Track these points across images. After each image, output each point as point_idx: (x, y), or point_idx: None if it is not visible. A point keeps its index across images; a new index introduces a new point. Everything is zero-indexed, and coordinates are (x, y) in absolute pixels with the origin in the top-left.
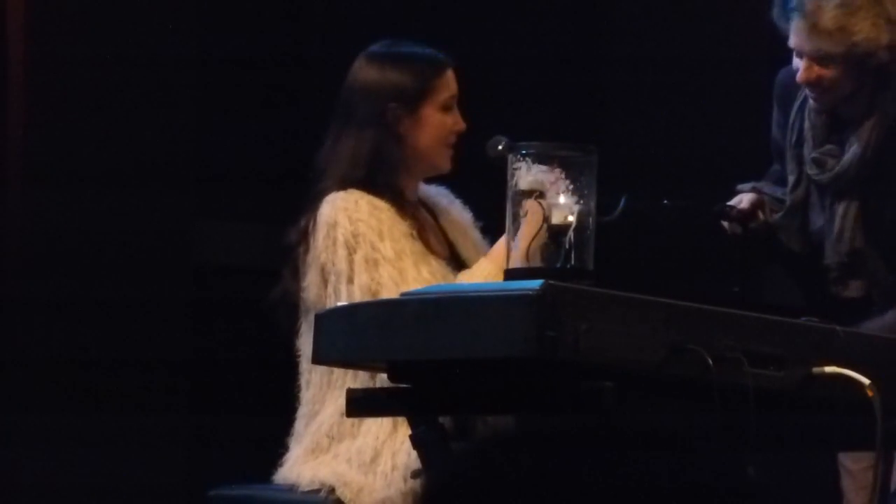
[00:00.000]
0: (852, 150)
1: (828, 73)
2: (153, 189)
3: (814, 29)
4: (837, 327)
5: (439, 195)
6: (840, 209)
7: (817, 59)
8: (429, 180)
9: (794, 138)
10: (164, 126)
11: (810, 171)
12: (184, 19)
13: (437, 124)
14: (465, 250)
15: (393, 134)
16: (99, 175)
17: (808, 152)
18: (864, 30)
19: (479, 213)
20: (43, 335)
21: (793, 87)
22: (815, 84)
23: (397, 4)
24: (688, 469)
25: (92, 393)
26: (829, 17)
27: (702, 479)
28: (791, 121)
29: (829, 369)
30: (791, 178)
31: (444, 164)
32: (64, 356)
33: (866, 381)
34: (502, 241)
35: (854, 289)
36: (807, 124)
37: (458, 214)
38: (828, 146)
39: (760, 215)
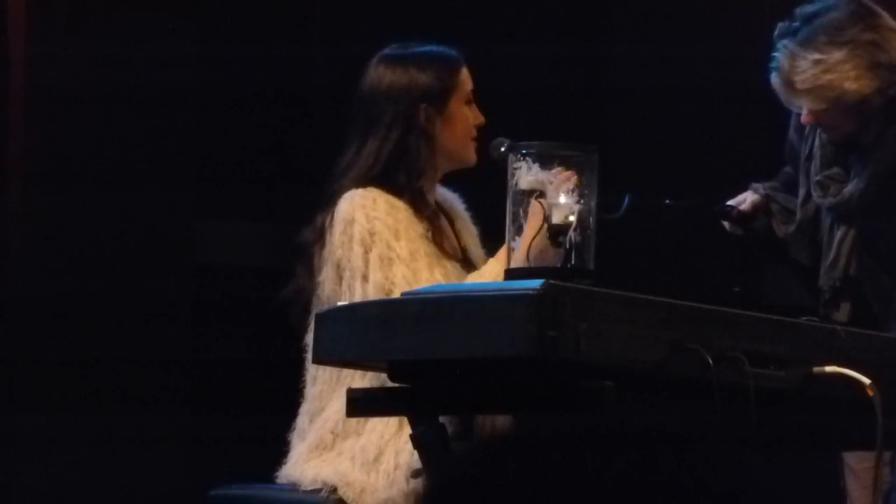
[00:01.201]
0: (855, 182)
1: (825, 117)
2: (154, 188)
3: (791, 88)
4: (838, 327)
5: (454, 200)
6: (838, 235)
7: (808, 109)
8: (448, 182)
9: (806, 151)
10: (165, 125)
11: (814, 192)
12: (184, 19)
13: (463, 119)
14: (475, 256)
15: (424, 134)
16: (99, 175)
17: (815, 172)
18: (846, 83)
19: (479, 213)
20: (43, 335)
21: None
22: (817, 125)
23: (397, 6)
24: (688, 469)
25: (92, 393)
26: (804, 77)
27: (702, 478)
28: (807, 132)
29: (829, 369)
30: (801, 192)
31: (472, 157)
32: (64, 356)
33: (867, 380)
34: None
35: (843, 312)
36: (817, 142)
37: (468, 220)
38: (834, 169)
39: (761, 216)
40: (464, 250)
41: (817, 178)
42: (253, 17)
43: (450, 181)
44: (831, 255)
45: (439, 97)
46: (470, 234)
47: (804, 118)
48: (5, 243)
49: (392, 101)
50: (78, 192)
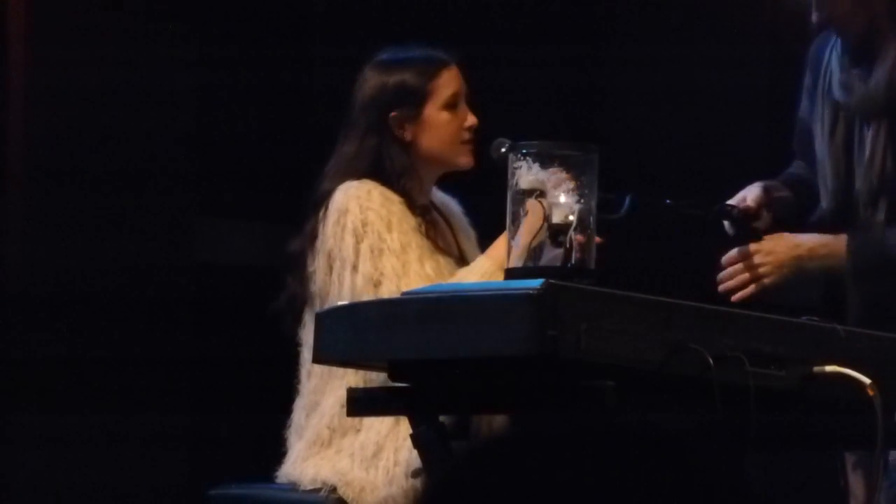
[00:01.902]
0: (879, 71)
1: (834, 10)
2: (154, 188)
3: None
4: (838, 326)
5: (451, 203)
6: (870, 133)
7: (815, 4)
8: (443, 186)
9: (827, 82)
10: (165, 125)
11: (838, 96)
12: (184, 19)
13: (443, 124)
14: (471, 256)
15: (399, 141)
16: (99, 175)
17: (836, 81)
18: None
19: (477, 215)
20: (43, 335)
21: (825, 47)
22: (829, 24)
23: (397, 7)
24: (687, 469)
25: (92, 393)
26: None
27: (701, 478)
28: (822, 71)
29: (829, 368)
30: (827, 125)
31: (462, 160)
32: (64, 356)
33: (867, 380)
34: (501, 239)
35: (883, 211)
36: (834, 57)
37: (467, 225)
38: (854, 71)
39: (764, 214)
40: (460, 250)
41: (840, 79)
42: (253, 17)
43: (450, 182)
44: (867, 153)
45: (411, 103)
46: (467, 237)
47: (815, 17)
48: (5, 243)
49: (364, 108)
50: (78, 192)
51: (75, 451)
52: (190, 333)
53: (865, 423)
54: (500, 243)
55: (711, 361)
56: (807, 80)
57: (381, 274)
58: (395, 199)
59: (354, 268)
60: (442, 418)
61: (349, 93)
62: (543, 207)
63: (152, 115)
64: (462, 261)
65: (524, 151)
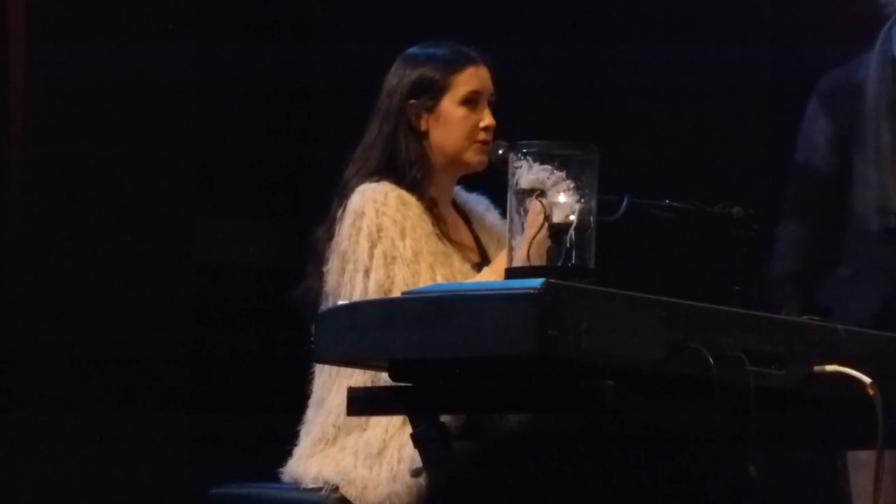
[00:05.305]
0: None
1: None
2: (154, 188)
3: None
4: (839, 326)
5: (477, 202)
6: None
7: None
8: (467, 185)
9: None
10: (165, 125)
11: None
12: (185, 19)
13: (458, 119)
14: (495, 256)
15: (414, 131)
16: (99, 175)
17: None
18: None
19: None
20: (43, 335)
21: (856, 68)
22: None
23: (398, 6)
24: (688, 468)
25: (92, 393)
26: None
27: (702, 478)
28: (877, 92)
29: (829, 368)
30: (887, 139)
31: (473, 159)
32: (64, 356)
33: (867, 379)
34: (503, 253)
35: None
36: None
37: (493, 222)
38: None
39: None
40: (483, 252)
41: None
42: (253, 16)
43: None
44: None
45: (429, 94)
46: (491, 236)
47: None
48: (5, 243)
49: (387, 97)
50: (78, 192)
51: (75, 451)
52: (190, 333)
53: (866, 422)
54: (503, 256)
55: (711, 361)
56: (824, 126)
57: (392, 283)
58: (411, 202)
59: (367, 273)
60: (443, 418)
61: (351, 91)
62: (544, 207)
63: (152, 115)
64: (483, 258)
65: (524, 151)
